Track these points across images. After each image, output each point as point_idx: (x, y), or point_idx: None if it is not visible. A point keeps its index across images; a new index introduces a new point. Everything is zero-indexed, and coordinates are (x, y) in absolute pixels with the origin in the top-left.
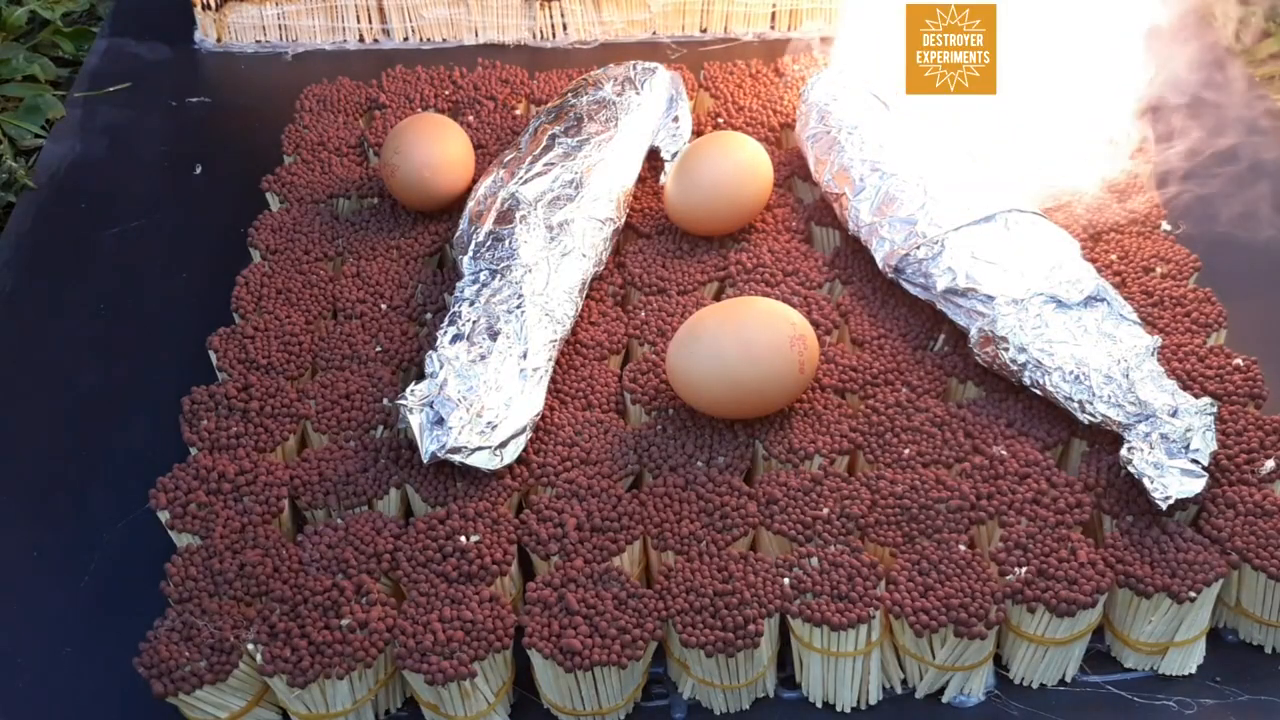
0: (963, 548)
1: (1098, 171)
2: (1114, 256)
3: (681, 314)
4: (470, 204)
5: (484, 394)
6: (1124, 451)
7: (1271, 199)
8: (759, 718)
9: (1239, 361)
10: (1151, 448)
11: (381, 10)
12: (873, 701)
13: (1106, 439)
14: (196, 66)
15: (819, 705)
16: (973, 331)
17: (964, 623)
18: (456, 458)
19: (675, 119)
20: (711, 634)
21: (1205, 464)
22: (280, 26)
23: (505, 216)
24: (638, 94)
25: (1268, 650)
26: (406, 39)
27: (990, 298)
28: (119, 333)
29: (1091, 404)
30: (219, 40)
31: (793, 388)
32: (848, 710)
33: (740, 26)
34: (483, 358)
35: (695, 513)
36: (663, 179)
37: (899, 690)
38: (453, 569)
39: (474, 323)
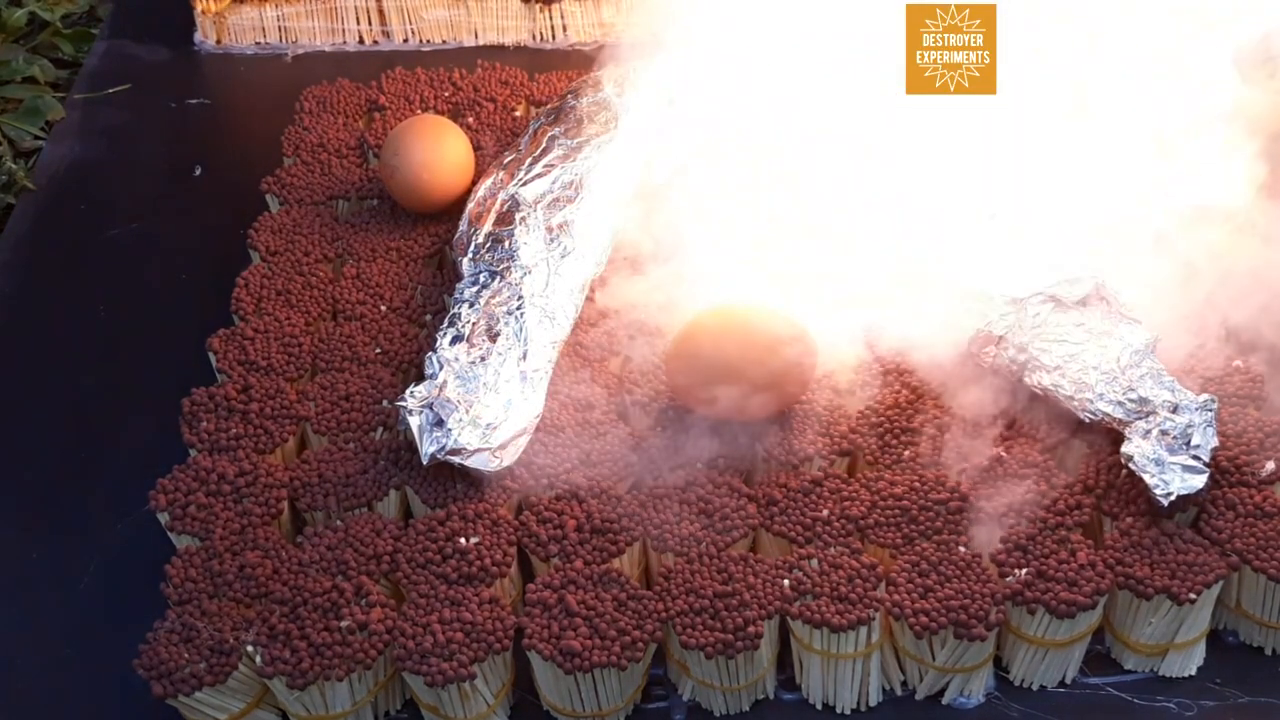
0: (962, 549)
1: None
2: None
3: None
4: (470, 205)
5: (484, 396)
6: (1125, 448)
7: None
8: (759, 719)
9: (1239, 363)
10: (1153, 444)
11: (381, 12)
12: (872, 703)
13: (1107, 438)
14: (196, 68)
15: (819, 707)
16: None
17: (964, 624)
18: (456, 459)
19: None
20: (711, 635)
21: (1206, 460)
22: (280, 28)
23: (505, 218)
24: (637, 95)
25: (1268, 652)
26: (406, 40)
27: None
28: (118, 334)
29: (1092, 402)
30: (219, 42)
31: (793, 389)
32: (847, 712)
33: None
34: (482, 359)
35: (695, 514)
36: None
37: (899, 692)
38: (452, 571)
39: (474, 324)
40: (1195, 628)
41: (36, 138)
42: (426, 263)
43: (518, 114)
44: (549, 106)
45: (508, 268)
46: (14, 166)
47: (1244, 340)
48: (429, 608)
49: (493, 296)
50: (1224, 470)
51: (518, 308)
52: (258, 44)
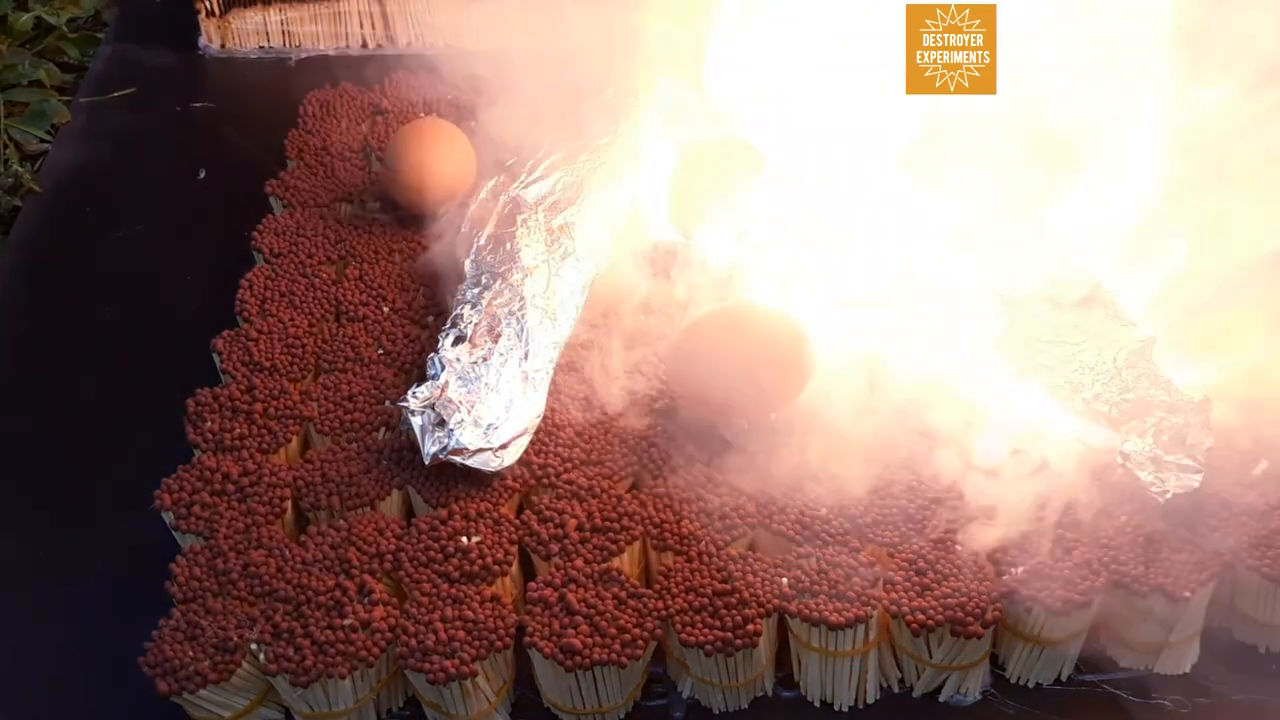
0: (959, 547)
1: None
2: None
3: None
4: (472, 207)
5: (485, 396)
6: (1121, 448)
7: None
8: (757, 717)
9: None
10: (1149, 444)
11: (384, 16)
12: (870, 700)
13: (1104, 437)
14: (200, 72)
15: (817, 704)
16: None
17: (960, 622)
18: (458, 459)
19: None
20: (710, 633)
21: (1202, 459)
22: (284, 32)
23: (506, 220)
24: (638, 99)
25: (1261, 650)
26: (409, 44)
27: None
28: (124, 335)
29: (1089, 403)
30: (223, 46)
31: (792, 389)
32: (845, 709)
33: None
34: (484, 360)
35: (694, 513)
36: None
37: (896, 689)
38: (454, 569)
39: (475, 325)
40: (1189, 626)
41: (42, 141)
42: (429, 264)
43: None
44: (551, 110)
45: (509, 269)
46: (20, 169)
47: None
48: (431, 606)
49: (494, 298)
50: (1218, 469)
51: (519, 309)
52: (261, 48)
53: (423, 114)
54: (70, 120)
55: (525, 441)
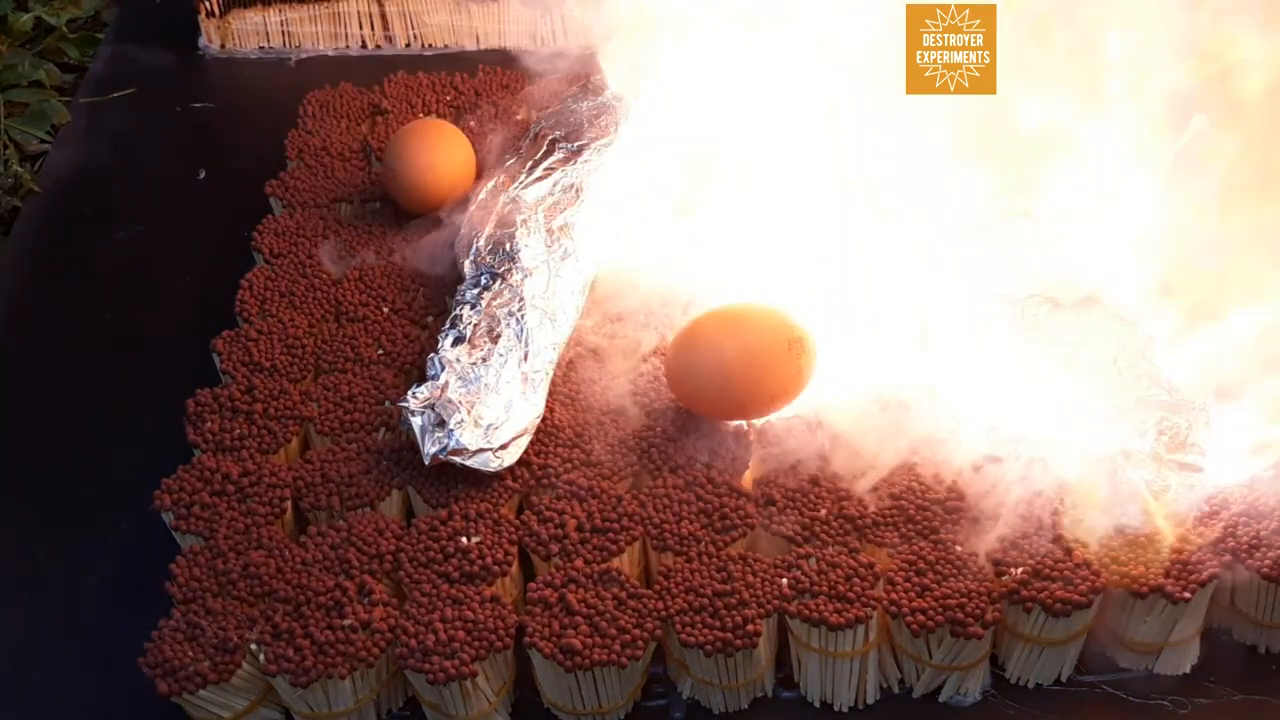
0: (959, 548)
1: None
2: None
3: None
4: (471, 208)
5: (485, 396)
6: (1122, 447)
7: None
8: (757, 717)
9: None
10: (1149, 444)
11: (384, 17)
12: (870, 701)
13: (1103, 437)
14: (200, 72)
15: (817, 705)
16: None
17: (960, 623)
18: (458, 459)
19: None
20: (710, 634)
21: (1203, 458)
22: (283, 32)
23: (506, 220)
24: (638, 99)
25: (1261, 650)
26: (408, 45)
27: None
28: (123, 336)
29: (1089, 402)
30: (223, 46)
31: (792, 390)
32: (845, 709)
33: None
34: (484, 360)
35: (694, 514)
36: None
37: (896, 690)
38: (454, 569)
39: (475, 325)
40: (1189, 626)
41: (42, 141)
42: (428, 265)
43: (519, 117)
44: (550, 110)
45: (509, 269)
46: (20, 170)
47: None
48: (431, 606)
49: (494, 298)
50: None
51: (519, 309)
52: (261, 48)
53: (423, 114)
54: (70, 120)
55: (525, 442)
